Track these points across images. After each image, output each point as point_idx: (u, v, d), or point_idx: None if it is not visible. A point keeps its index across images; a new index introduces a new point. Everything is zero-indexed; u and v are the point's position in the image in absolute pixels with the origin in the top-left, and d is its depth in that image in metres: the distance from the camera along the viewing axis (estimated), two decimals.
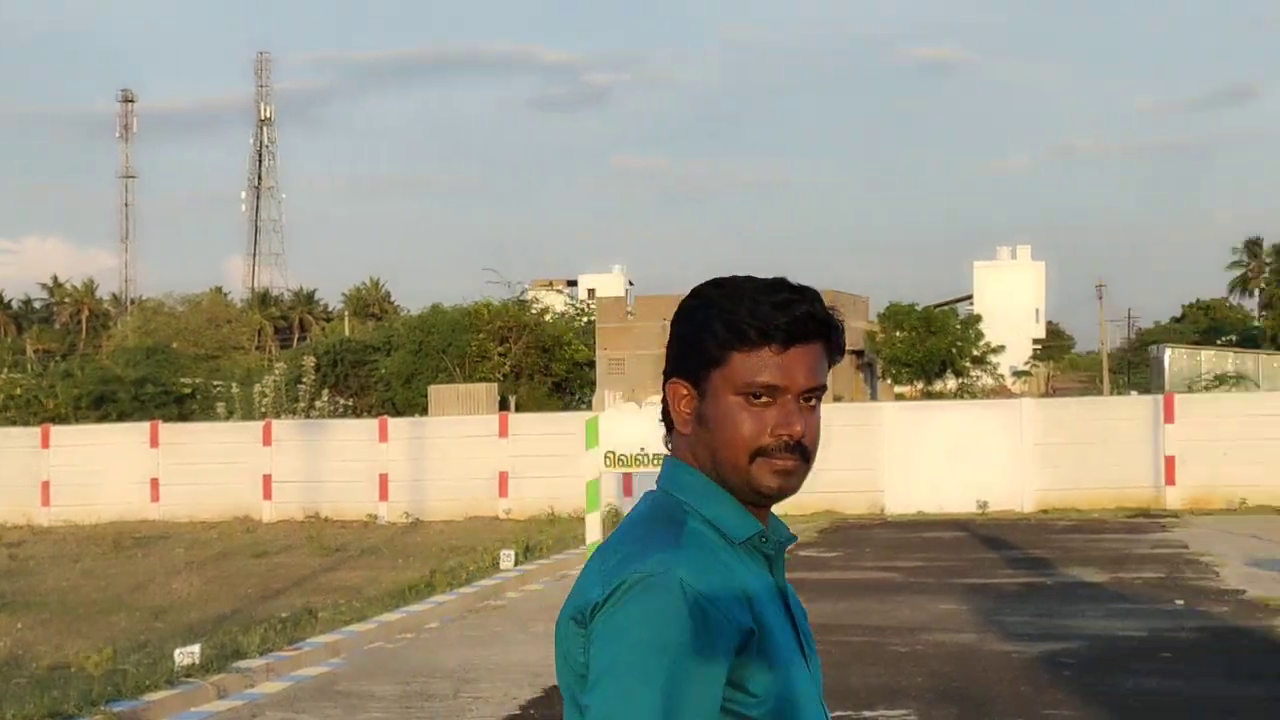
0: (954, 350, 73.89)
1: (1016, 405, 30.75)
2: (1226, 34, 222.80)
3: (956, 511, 28.56)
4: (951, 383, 75.08)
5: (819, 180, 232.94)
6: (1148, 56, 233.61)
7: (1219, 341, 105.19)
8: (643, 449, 21.95)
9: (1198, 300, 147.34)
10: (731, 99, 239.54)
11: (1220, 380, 64.76)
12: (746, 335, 2.43)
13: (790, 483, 2.49)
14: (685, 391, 2.49)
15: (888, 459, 29.32)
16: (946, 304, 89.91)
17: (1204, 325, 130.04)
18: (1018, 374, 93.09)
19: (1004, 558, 21.65)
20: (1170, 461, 28.09)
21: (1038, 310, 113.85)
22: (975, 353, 75.52)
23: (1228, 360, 73.32)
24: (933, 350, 72.46)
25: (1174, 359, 71.49)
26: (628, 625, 2.28)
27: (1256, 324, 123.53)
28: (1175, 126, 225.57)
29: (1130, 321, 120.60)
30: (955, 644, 14.20)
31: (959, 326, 75.66)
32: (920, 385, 74.08)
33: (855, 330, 76.12)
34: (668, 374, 2.52)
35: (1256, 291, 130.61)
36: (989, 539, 24.14)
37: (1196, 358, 72.97)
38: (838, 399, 64.85)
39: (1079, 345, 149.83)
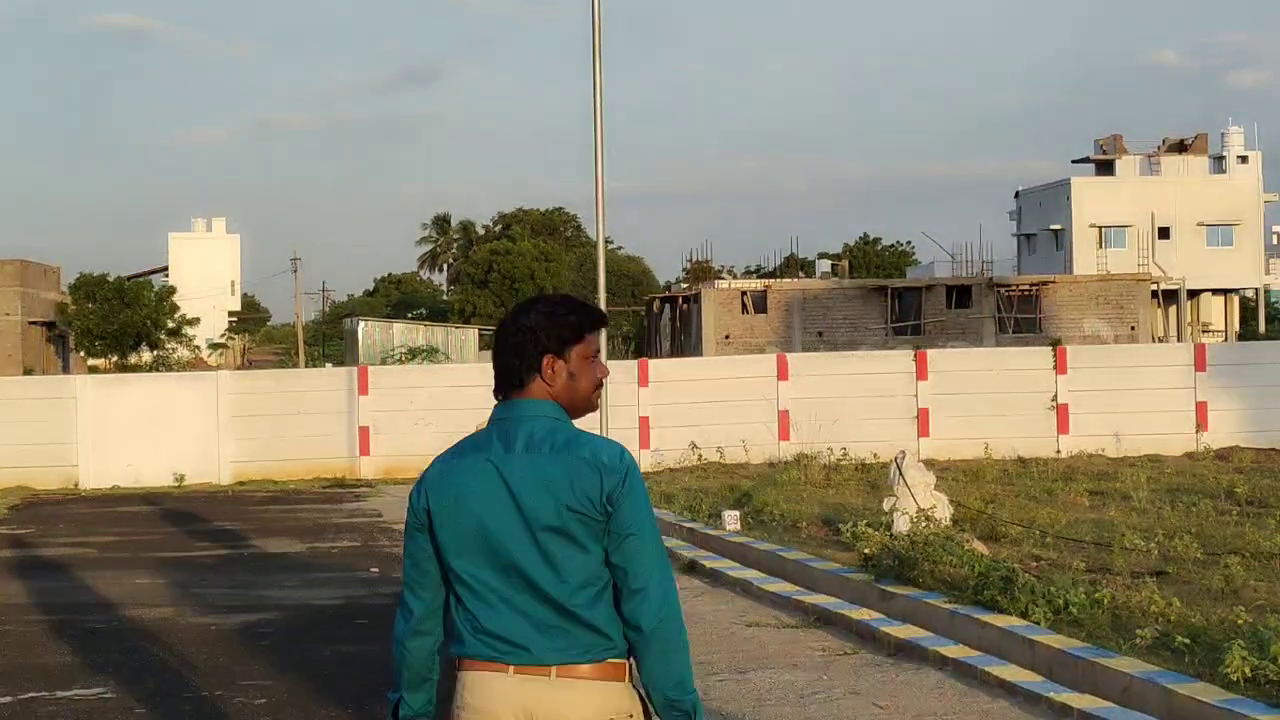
0: (149, 323, 72.83)
1: (213, 378, 30.70)
2: (413, 16, 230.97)
3: (154, 485, 28.28)
4: (147, 355, 74.01)
5: (2, 147, 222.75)
6: (343, 36, 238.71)
7: (410, 315, 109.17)
8: None
9: (389, 274, 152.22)
10: None
11: (413, 353, 67.19)
12: (587, 326, 4.30)
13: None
14: (560, 363, 4.24)
15: (82, 433, 28.62)
16: (141, 275, 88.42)
17: (396, 299, 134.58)
18: (214, 346, 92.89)
19: (201, 530, 21.65)
20: (365, 432, 28.96)
21: (233, 282, 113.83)
22: (171, 325, 74.78)
23: (419, 333, 76.17)
24: (127, 322, 71.12)
25: (367, 332, 73.48)
26: (641, 488, 4.14)
27: (445, 298, 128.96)
28: (368, 105, 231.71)
29: (325, 294, 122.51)
30: (153, 618, 14.10)
31: (154, 298, 74.62)
32: (115, 358, 72.57)
33: (46, 301, 73.47)
34: (541, 353, 4.22)
35: (445, 266, 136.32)
36: (186, 513, 24.04)
37: (389, 331, 75.39)
38: (28, 372, 62.46)
39: (275, 318, 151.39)
